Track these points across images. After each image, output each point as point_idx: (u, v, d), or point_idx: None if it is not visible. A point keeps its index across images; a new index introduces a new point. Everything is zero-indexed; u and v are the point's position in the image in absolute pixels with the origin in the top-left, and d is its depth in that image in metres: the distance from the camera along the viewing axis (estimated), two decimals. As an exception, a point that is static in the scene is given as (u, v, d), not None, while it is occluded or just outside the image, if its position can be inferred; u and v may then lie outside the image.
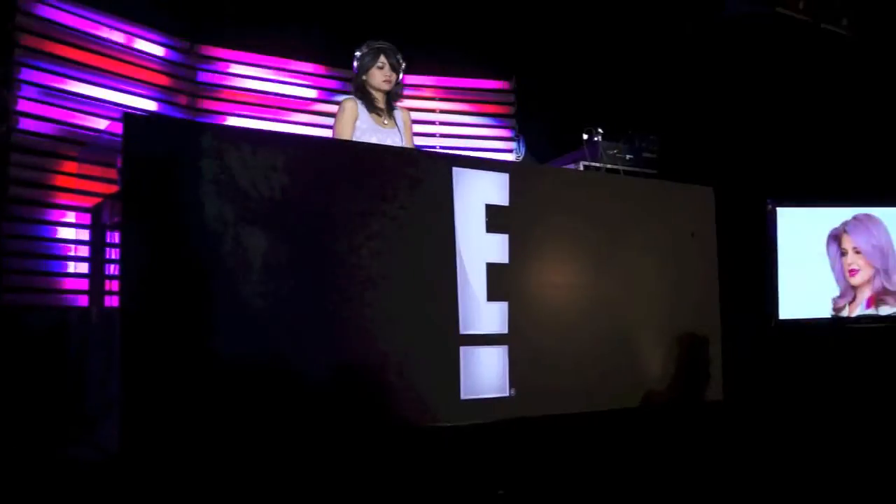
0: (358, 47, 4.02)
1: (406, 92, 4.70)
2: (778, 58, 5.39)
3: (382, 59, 3.98)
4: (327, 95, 5.17)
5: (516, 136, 5.33)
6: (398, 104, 4.18)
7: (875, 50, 5.37)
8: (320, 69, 5.18)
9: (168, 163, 2.76)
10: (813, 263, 5.22)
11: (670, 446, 3.79)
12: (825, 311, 5.24)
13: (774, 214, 5.16)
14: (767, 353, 5.01)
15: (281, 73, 5.08)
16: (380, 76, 3.99)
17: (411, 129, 4.22)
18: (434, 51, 5.15)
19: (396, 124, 4.08)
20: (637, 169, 4.22)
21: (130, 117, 2.87)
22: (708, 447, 3.91)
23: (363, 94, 4.02)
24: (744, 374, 4.50)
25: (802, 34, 5.20)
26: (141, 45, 4.57)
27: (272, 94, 5.04)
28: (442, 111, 5.38)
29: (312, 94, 5.15)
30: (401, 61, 4.03)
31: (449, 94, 5.44)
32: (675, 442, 3.82)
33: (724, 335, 4.20)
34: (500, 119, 5.50)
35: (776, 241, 5.16)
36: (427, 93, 5.39)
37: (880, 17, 5.31)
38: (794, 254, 5.18)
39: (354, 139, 3.85)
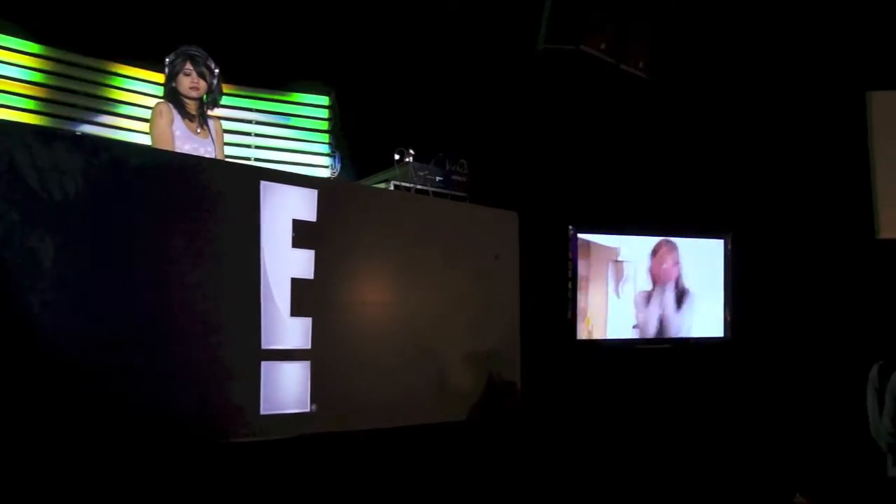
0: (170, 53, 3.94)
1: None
2: (583, 93, 5.73)
3: (189, 65, 3.90)
4: (135, 98, 4.97)
5: (332, 151, 5.35)
6: (210, 112, 4.10)
7: (667, 91, 5.83)
8: (130, 70, 4.97)
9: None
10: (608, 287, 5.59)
11: (471, 461, 3.93)
12: (619, 333, 5.61)
13: (576, 240, 5.47)
14: (564, 371, 5.28)
15: (86, 71, 4.83)
16: (187, 83, 3.90)
17: (223, 138, 4.16)
18: (252, 61, 5.09)
19: (210, 133, 4.01)
20: (446, 191, 4.33)
21: None
22: (506, 461, 4.08)
23: (174, 99, 3.93)
24: (542, 391, 4.72)
25: (604, 73, 5.56)
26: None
27: (75, 93, 4.77)
28: (258, 122, 5.32)
29: (118, 95, 4.93)
30: (213, 68, 3.97)
31: (265, 106, 5.38)
32: (476, 456, 3.96)
33: (526, 354, 4.40)
34: (316, 134, 5.50)
35: (577, 264, 5.47)
36: (243, 103, 5.31)
37: (672, 62, 5.77)
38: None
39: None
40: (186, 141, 3.86)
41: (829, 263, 5.65)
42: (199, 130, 3.95)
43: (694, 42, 5.77)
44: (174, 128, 3.85)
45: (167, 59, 3.93)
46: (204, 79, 3.92)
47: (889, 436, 3.68)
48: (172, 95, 3.93)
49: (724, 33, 5.69)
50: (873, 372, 4.01)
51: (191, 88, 3.91)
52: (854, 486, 4.17)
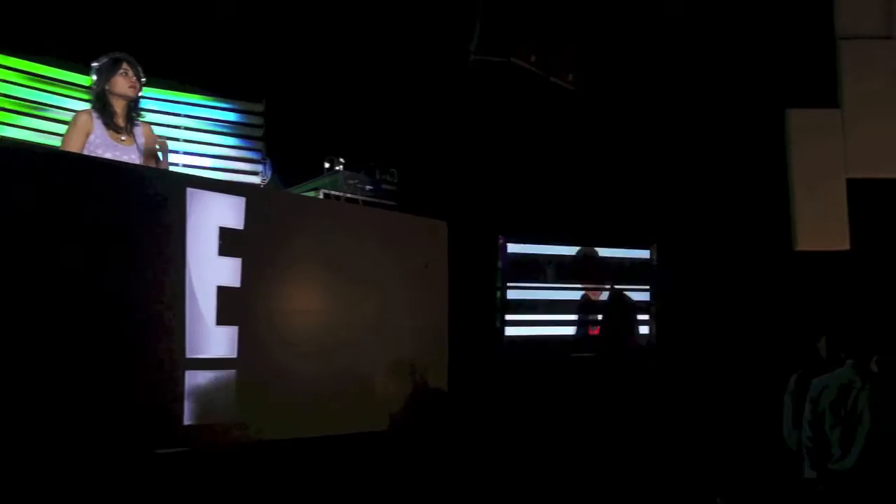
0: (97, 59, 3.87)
1: (150, 107, 4.61)
2: (513, 105, 5.81)
3: (125, 65, 3.84)
4: (60, 102, 4.84)
5: (263, 158, 5.29)
6: (139, 120, 4.03)
7: (595, 104, 5.96)
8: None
9: None
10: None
11: (399, 468, 3.94)
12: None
13: (505, 249, 5.54)
14: (491, 381, 5.32)
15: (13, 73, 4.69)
16: (125, 83, 3.84)
17: (155, 144, 4.04)
18: (181, 68, 5.03)
19: (135, 141, 3.93)
20: (376, 200, 4.35)
21: None
22: (434, 467, 4.11)
23: (102, 106, 3.85)
24: (469, 400, 4.76)
25: (534, 85, 5.66)
26: None
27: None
28: (187, 129, 5.24)
29: (43, 98, 4.79)
30: (141, 74, 3.92)
31: (195, 113, 5.31)
32: (404, 464, 3.98)
33: (453, 362, 4.43)
34: (247, 141, 5.44)
35: (506, 272, 5.53)
36: (172, 109, 5.23)
37: (599, 76, 5.91)
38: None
39: (85, 153, 3.67)
40: (108, 149, 3.76)
41: (749, 274, 5.83)
42: (123, 138, 3.86)
43: (621, 57, 5.91)
44: (94, 136, 3.76)
45: (94, 65, 3.85)
46: (139, 80, 3.88)
47: (808, 440, 3.85)
48: (102, 100, 3.84)
49: (650, 49, 5.85)
50: (791, 381, 4.17)
51: (129, 88, 3.85)
52: (773, 487, 4.31)
